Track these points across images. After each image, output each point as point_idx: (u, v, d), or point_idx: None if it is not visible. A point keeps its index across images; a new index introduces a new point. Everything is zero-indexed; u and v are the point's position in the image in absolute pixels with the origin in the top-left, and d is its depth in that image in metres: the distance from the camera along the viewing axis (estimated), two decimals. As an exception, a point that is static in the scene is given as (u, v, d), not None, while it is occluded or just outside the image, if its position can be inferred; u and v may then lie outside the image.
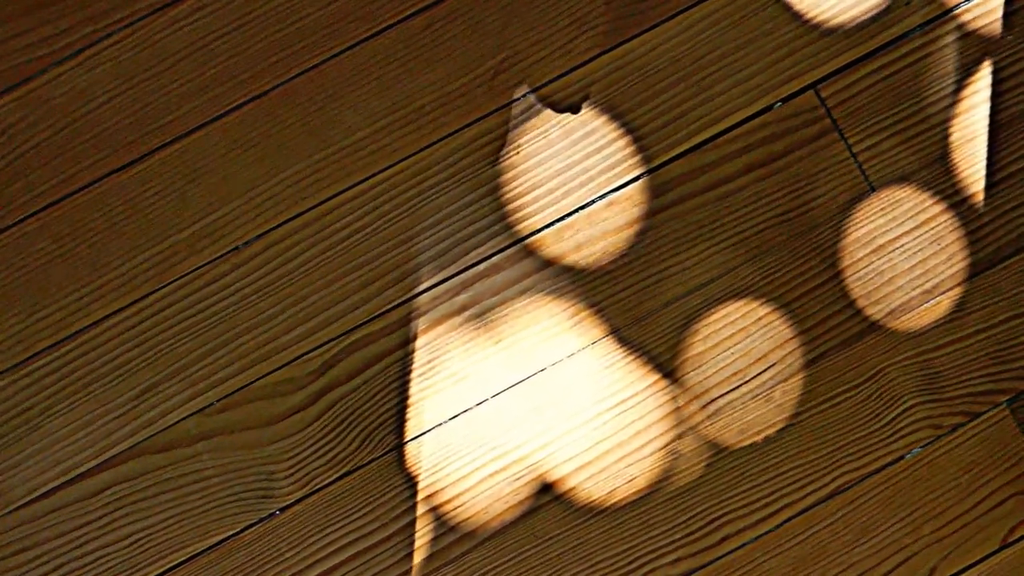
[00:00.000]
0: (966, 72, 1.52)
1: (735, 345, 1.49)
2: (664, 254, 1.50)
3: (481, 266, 1.49)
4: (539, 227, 1.50)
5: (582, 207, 1.50)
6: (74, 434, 1.47)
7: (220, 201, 1.50)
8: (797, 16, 1.52)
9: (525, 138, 1.50)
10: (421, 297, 1.49)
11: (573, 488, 1.48)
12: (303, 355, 1.48)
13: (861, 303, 1.49)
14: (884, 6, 1.52)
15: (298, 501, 1.47)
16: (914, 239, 1.50)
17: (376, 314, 1.49)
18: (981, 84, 1.52)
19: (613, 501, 1.48)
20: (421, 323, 1.49)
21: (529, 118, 1.51)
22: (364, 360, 1.48)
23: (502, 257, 1.49)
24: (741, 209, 1.50)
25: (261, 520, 1.47)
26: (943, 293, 1.50)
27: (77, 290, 1.49)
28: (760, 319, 1.49)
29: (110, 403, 1.47)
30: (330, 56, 1.51)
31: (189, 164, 1.50)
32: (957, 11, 1.52)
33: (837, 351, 1.49)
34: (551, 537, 1.47)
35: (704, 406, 1.48)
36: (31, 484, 1.46)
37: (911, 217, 1.50)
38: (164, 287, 1.49)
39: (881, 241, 1.50)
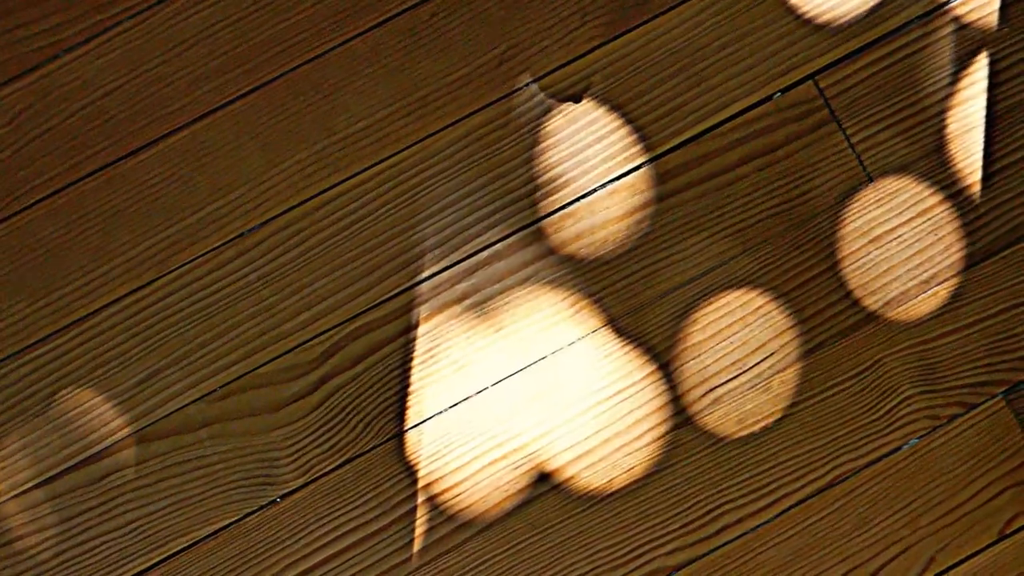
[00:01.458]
0: (963, 63, 1.53)
1: (733, 335, 1.49)
2: (664, 243, 1.50)
3: (483, 254, 1.50)
4: (540, 215, 1.50)
5: (583, 196, 1.50)
6: (77, 420, 1.47)
7: (225, 189, 1.51)
8: (796, 7, 1.53)
9: (527, 127, 1.51)
10: (423, 285, 1.49)
11: (572, 477, 1.48)
12: (305, 342, 1.49)
13: (859, 293, 1.50)
14: (882, -3, 1.54)
15: (299, 488, 1.47)
16: (911, 229, 1.51)
17: (378, 302, 1.49)
18: (978, 75, 1.53)
19: (611, 490, 1.48)
20: (422, 311, 1.49)
21: (532, 108, 1.52)
22: (366, 348, 1.49)
23: (503, 245, 1.50)
24: (740, 199, 1.51)
25: (262, 507, 1.47)
26: (940, 283, 1.50)
27: (82, 276, 1.49)
28: (758, 309, 1.50)
29: (113, 389, 1.48)
30: (334, 45, 1.52)
31: (194, 152, 1.51)
32: (954, 3, 1.53)
33: (835, 341, 1.49)
34: (549, 526, 1.48)
35: (702, 395, 1.49)
36: (33, 470, 1.47)
37: (909, 207, 1.51)
38: (168, 274, 1.49)
39: (879, 231, 1.51)
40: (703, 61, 1.52)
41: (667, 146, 1.51)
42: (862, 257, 1.50)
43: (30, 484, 1.47)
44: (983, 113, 1.52)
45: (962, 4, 1.53)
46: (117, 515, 1.47)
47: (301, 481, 1.47)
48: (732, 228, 1.50)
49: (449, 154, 1.51)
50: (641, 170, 1.51)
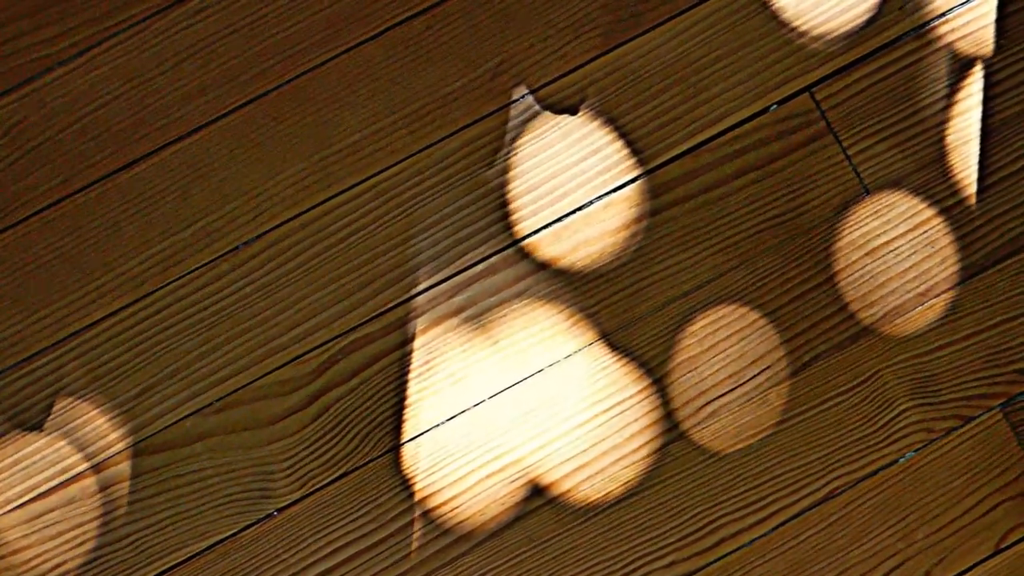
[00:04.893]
0: (959, 76, 1.53)
1: (730, 348, 1.49)
2: (660, 256, 1.50)
3: (478, 267, 1.50)
4: (536, 229, 1.50)
5: (579, 209, 1.50)
6: (72, 434, 1.47)
7: (220, 201, 1.51)
8: (792, 19, 1.53)
9: (522, 140, 1.51)
10: (418, 298, 1.49)
11: (569, 490, 1.48)
12: (301, 355, 1.49)
13: (855, 306, 1.50)
14: (877, 10, 1.53)
15: (296, 502, 1.47)
16: (908, 242, 1.51)
17: (374, 315, 1.49)
18: (974, 88, 1.53)
19: (608, 503, 1.48)
20: (418, 324, 1.49)
21: (527, 120, 1.52)
22: (362, 361, 1.49)
23: (499, 258, 1.50)
24: (736, 211, 1.51)
25: (259, 521, 1.47)
26: (937, 296, 1.50)
27: (78, 290, 1.49)
28: (754, 322, 1.50)
29: (109, 402, 1.48)
30: (329, 58, 1.52)
31: (189, 165, 1.51)
32: (950, 16, 1.53)
33: (831, 354, 1.49)
34: (546, 539, 1.47)
35: (698, 408, 1.49)
36: (29, 484, 1.47)
37: (905, 220, 1.51)
38: (164, 287, 1.49)
39: (875, 244, 1.51)
40: (699, 73, 1.52)
41: (662, 159, 1.51)
42: (858, 270, 1.50)
43: (26, 497, 1.46)
44: (979, 125, 1.52)
45: (958, 16, 1.53)
46: (113, 529, 1.47)
47: (298, 494, 1.47)
48: (728, 241, 1.50)
49: (444, 167, 1.51)
50: (636, 183, 1.51)
